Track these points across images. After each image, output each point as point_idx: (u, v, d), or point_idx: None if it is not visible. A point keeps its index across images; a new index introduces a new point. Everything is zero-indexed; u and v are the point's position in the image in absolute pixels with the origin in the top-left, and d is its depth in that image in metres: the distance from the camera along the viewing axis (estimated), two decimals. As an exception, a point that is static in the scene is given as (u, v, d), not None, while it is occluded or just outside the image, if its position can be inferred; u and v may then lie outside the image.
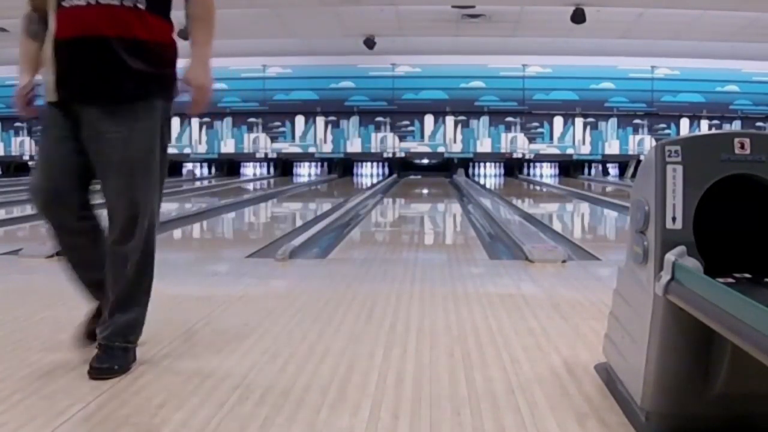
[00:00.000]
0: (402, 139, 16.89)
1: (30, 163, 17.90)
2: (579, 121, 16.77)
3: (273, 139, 16.97)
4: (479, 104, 16.75)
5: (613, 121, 16.81)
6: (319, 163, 17.29)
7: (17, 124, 17.54)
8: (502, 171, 17.03)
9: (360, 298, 3.37)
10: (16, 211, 8.84)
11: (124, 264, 2.23)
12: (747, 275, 1.65)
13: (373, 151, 16.95)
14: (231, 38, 13.85)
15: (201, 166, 17.59)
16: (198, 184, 14.65)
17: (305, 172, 17.31)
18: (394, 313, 3.07)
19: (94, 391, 2.04)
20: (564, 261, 4.43)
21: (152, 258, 2.29)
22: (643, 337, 1.73)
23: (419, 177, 16.53)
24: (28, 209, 9.08)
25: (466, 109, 16.73)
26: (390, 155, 16.90)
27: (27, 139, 17.63)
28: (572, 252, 4.99)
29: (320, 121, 16.95)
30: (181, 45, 2.29)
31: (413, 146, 16.87)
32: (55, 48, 2.17)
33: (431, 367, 2.30)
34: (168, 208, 9.61)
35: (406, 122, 16.87)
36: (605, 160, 16.99)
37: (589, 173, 17.13)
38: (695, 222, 1.67)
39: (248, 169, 17.47)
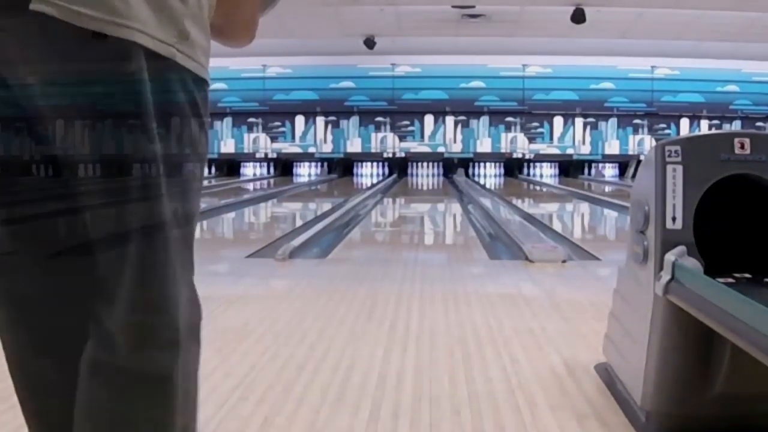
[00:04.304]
0: (402, 139, 16.88)
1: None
2: (579, 121, 16.77)
3: (273, 139, 16.96)
4: (479, 104, 16.74)
5: (613, 121, 16.80)
6: (319, 163, 17.28)
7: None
8: (502, 171, 17.02)
9: (360, 298, 3.36)
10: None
11: None
12: (747, 275, 1.65)
13: (373, 151, 16.94)
14: (231, 38, 13.82)
15: (201, 166, 17.54)
16: (198, 184, 14.59)
17: (305, 172, 17.29)
18: (394, 313, 3.07)
19: (94, 391, 2.03)
20: (564, 261, 4.43)
21: None
22: (643, 337, 1.73)
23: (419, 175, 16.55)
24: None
25: (466, 109, 16.71)
26: (390, 155, 16.89)
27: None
28: (572, 252, 4.99)
29: (320, 121, 16.94)
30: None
31: (413, 146, 16.86)
32: None
33: (431, 367, 2.30)
34: (168, 208, 9.59)
35: (406, 122, 16.86)
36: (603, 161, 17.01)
37: (589, 173, 17.12)
38: (695, 222, 1.67)
39: (248, 169, 17.46)
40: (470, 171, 16.86)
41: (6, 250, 1.01)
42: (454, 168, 16.63)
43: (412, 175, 16.82)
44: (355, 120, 16.94)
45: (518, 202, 10.56)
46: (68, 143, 0.91)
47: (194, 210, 1.01)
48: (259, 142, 16.99)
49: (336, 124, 16.97)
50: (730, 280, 1.59)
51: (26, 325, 1.02)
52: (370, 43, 14.27)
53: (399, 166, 16.79)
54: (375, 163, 17.15)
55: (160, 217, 0.94)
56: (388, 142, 16.89)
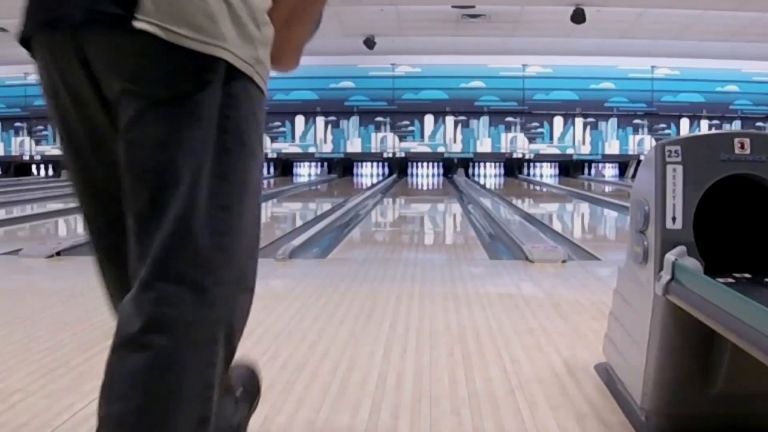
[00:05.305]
0: (402, 139, 16.88)
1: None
2: (579, 121, 16.77)
3: (273, 139, 16.95)
4: (479, 104, 16.74)
5: (613, 121, 16.80)
6: (319, 163, 17.28)
7: (17, 124, 17.54)
8: (502, 171, 17.02)
9: (360, 298, 3.36)
10: (16, 211, 8.84)
11: None
12: (747, 275, 1.65)
13: (373, 151, 16.94)
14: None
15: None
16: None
17: (305, 172, 17.30)
18: (394, 313, 3.07)
19: (94, 391, 2.03)
20: (564, 261, 4.43)
21: None
22: (643, 337, 1.73)
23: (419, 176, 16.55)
24: (28, 209, 9.09)
25: (466, 109, 16.71)
26: (390, 155, 16.89)
27: (27, 139, 17.62)
28: (572, 252, 4.99)
29: (320, 121, 16.94)
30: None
31: (413, 146, 16.87)
32: None
33: (431, 367, 2.30)
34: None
35: (406, 122, 16.86)
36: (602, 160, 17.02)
37: (589, 173, 17.12)
38: (695, 222, 1.67)
39: (248, 169, 17.44)
40: (470, 171, 16.86)
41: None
42: (454, 168, 16.64)
43: (412, 175, 16.83)
44: (355, 120, 16.94)
45: (518, 202, 10.56)
46: (156, 148, 1.04)
47: (255, 203, 1.14)
48: (259, 142, 16.97)
49: (336, 124, 16.97)
50: (730, 280, 1.59)
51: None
52: (370, 43, 14.27)
53: (399, 166, 16.80)
54: (375, 163, 17.15)
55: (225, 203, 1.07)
56: (388, 142, 16.89)
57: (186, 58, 1.01)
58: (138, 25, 0.99)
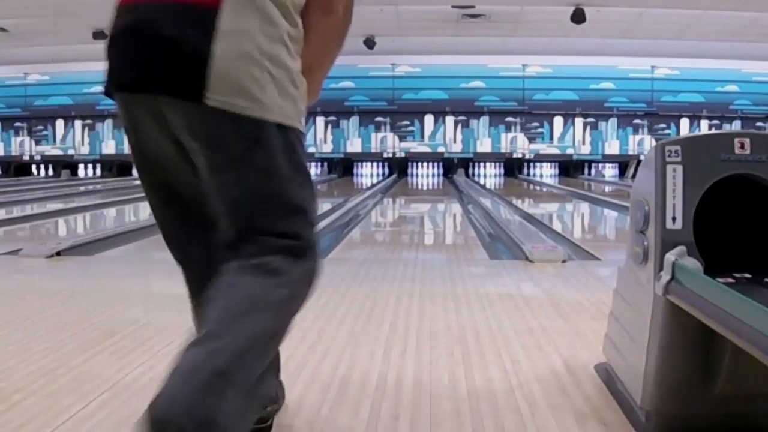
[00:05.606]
0: (402, 139, 16.88)
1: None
2: (579, 121, 16.77)
3: (273, 140, 16.93)
4: (479, 104, 16.74)
5: (613, 121, 16.80)
6: (319, 163, 17.28)
7: (17, 124, 17.53)
8: (502, 171, 17.02)
9: (360, 298, 3.36)
10: (16, 211, 8.85)
11: None
12: (747, 275, 1.65)
13: (373, 151, 16.94)
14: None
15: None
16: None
17: (305, 172, 17.28)
18: (394, 313, 3.07)
19: (94, 391, 2.04)
20: (564, 261, 4.43)
21: None
22: (643, 337, 1.73)
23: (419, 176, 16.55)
24: (28, 209, 9.09)
25: (466, 109, 16.71)
26: (390, 155, 16.89)
27: (27, 139, 17.62)
28: (572, 252, 4.99)
29: (320, 121, 16.94)
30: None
31: (413, 146, 16.87)
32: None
33: (431, 367, 2.30)
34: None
35: (406, 122, 16.85)
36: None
37: (589, 173, 17.12)
38: (695, 222, 1.67)
39: (248, 169, 17.42)
40: (470, 171, 16.86)
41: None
42: (454, 168, 16.64)
43: (412, 175, 16.83)
44: (355, 120, 16.94)
45: (518, 202, 10.56)
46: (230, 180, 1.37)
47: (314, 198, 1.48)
48: (259, 142, 16.96)
49: (336, 124, 16.97)
50: (730, 280, 1.59)
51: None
52: (370, 43, 14.26)
53: (399, 166, 16.80)
54: (375, 163, 17.15)
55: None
56: (388, 142, 16.89)
57: (245, 122, 1.31)
58: (210, 103, 1.27)
